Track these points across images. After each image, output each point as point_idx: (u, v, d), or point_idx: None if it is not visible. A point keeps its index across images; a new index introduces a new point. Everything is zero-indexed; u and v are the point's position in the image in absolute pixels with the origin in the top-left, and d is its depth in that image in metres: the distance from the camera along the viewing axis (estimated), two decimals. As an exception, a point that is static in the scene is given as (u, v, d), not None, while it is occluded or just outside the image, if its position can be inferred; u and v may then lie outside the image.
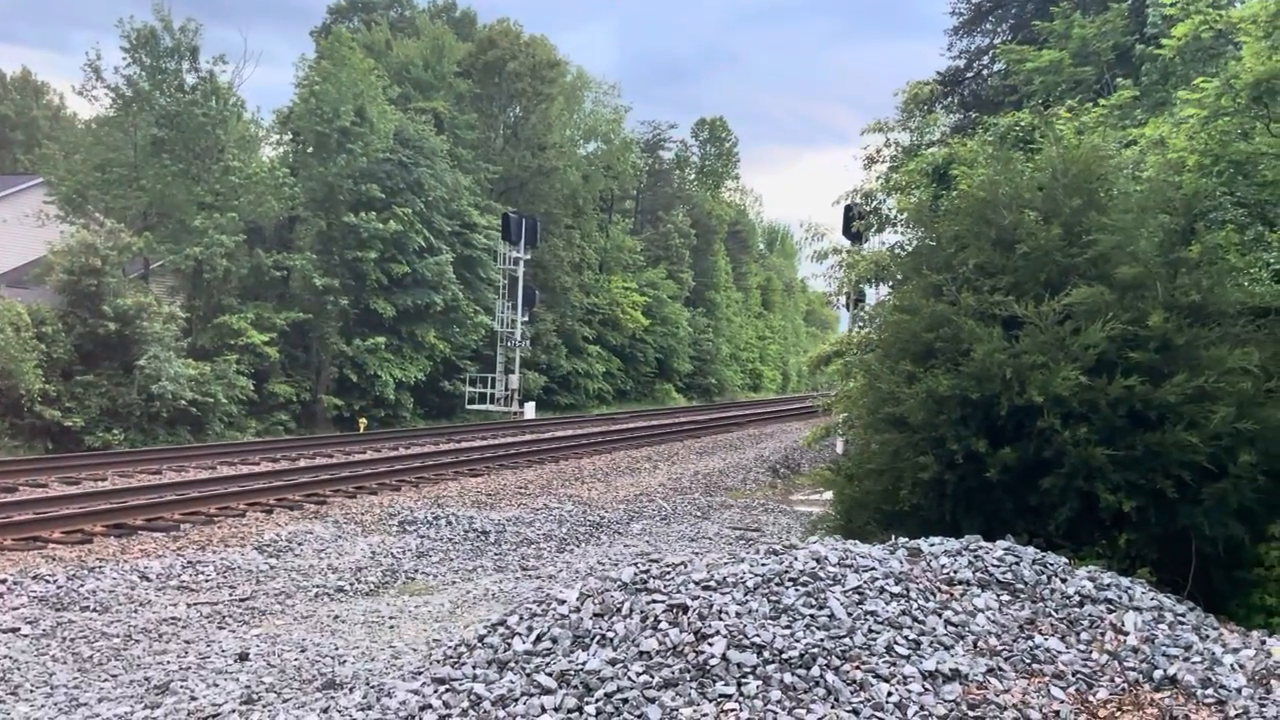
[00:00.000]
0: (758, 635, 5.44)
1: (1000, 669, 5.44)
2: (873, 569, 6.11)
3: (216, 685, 7.08)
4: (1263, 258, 9.18)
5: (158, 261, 30.41)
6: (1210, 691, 5.34)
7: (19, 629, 8.46)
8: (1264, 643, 5.90)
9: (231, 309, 29.43)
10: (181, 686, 7.05)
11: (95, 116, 32.11)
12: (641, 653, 5.47)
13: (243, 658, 7.85)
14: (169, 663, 7.76)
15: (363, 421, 32.01)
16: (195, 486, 15.92)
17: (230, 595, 10.12)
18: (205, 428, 26.74)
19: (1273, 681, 5.41)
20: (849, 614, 5.67)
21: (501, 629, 6.14)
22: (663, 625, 5.65)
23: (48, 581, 10.02)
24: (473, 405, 37.38)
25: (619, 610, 5.94)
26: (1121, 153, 9.90)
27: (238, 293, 30.41)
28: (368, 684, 6.87)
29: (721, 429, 33.01)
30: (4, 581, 9.92)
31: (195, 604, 9.67)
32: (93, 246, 25.22)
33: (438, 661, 6.08)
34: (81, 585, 9.99)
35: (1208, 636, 5.97)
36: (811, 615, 5.67)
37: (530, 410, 37.42)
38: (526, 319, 39.56)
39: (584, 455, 23.78)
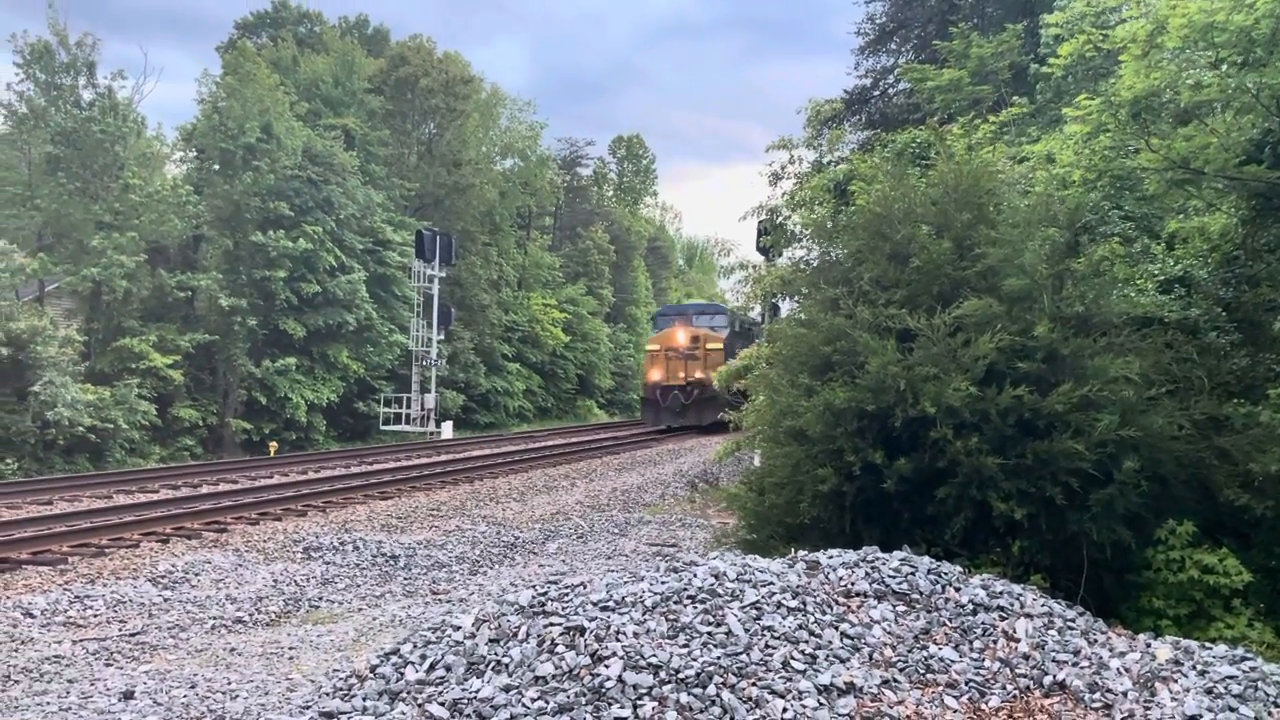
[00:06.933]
0: (654, 655, 5.37)
1: (895, 680, 5.46)
2: (771, 584, 6.10)
3: (96, 727, 6.75)
4: (1148, 269, 9.49)
5: (54, 283, 29.30)
6: (1098, 695, 5.43)
7: (-115, 674, 7.97)
8: (1149, 645, 6.04)
9: (133, 331, 28.46)
10: (58, 729, 6.70)
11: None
12: (537, 678, 5.36)
13: (127, 696, 7.50)
14: (48, 704, 7.38)
15: (273, 445, 31.19)
16: (87, 517, 15.24)
17: (120, 630, 9.68)
18: (105, 455, 25.75)
19: (1157, 684, 5.53)
20: (746, 630, 5.64)
21: (395, 658, 5.96)
22: (559, 648, 5.55)
23: (-79, 622, 9.48)
24: (388, 426, 36.71)
25: (515, 635, 5.82)
26: (1013, 168, 10.16)
27: (139, 314, 29.43)
28: (257, 720, 6.63)
29: (641, 444, 32.96)
30: (-128, 624, 9.36)
31: (81, 640, 9.22)
32: (-18, 268, 24.19)
33: (327, 694, 5.87)
34: (-42, 625, 9.46)
35: (1096, 641, 6.08)
36: (709, 633, 5.62)
37: (448, 430, 36.91)
38: (443, 337, 39.07)
39: (500, 474, 23.48)
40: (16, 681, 7.94)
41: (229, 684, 7.83)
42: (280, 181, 32.41)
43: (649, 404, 38.01)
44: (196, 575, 11.99)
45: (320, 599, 11.21)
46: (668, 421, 36.88)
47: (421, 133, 45.78)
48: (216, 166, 32.59)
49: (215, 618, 10.15)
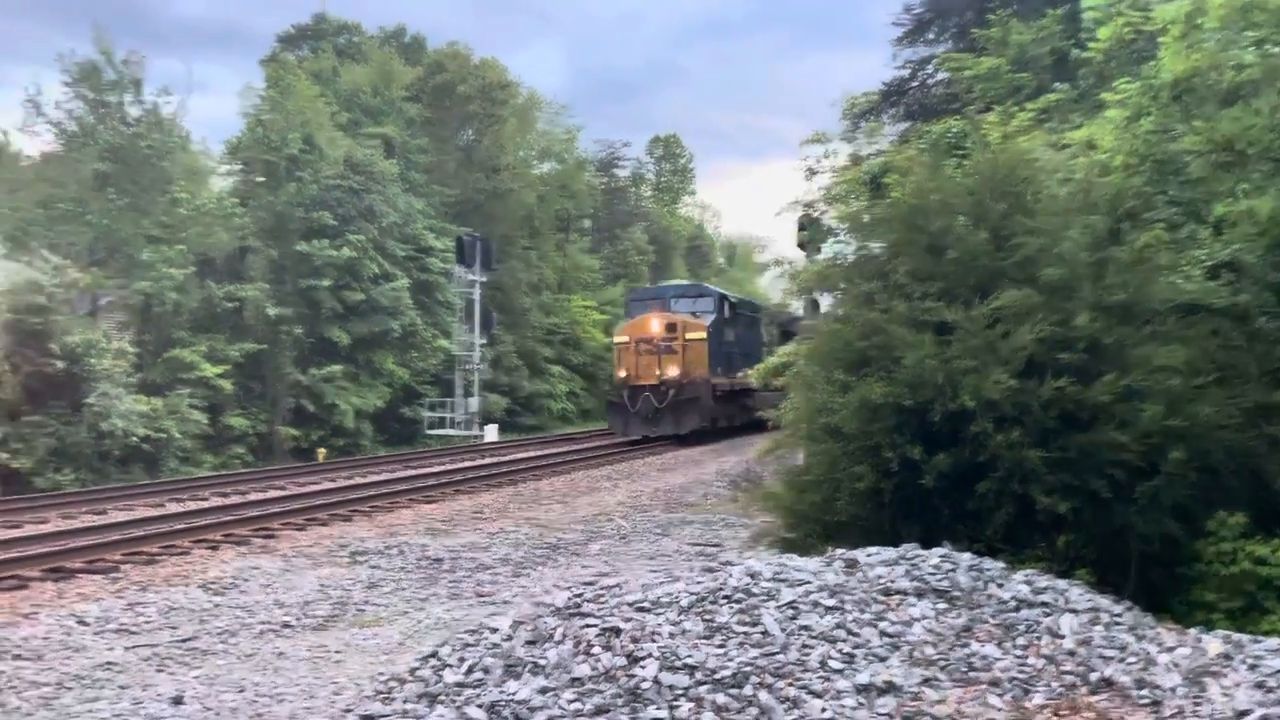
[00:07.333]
0: (690, 656, 5.34)
1: (936, 679, 5.37)
2: (808, 583, 6.04)
3: (146, 731, 6.86)
4: (1194, 255, 9.26)
5: (106, 297, 29.96)
6: (1145, 692, 5.30)
7: (-55, 682, 8.18)
8: (1199, 640, 5.88)
9: (183, 342, 29.05)
10: (109, 735, 6.83)
11: (41, 153, 31.69)
12: (573, 679, 5.36)
13: (177, 701, 7.63)
14: (100, 709, 7.53)
15: (321, 452, 31.62)
16: (140, 525, 15.53)
17: (171, 636, 9.85)
18: (159, 464, 26.28)
19: (1206, 679, 5.38)
20: (783, 630, 5.59)
21: (433, 660, 6.00)
22: (595, 650, 5.55)
23: (-21, 631, 9.72)
24: (433, 430, 37.03)
25: (551, 636, 5.83)
26: (1052, 155, 9.97)
27: (189, 326, 30.02)
28: (300, 723, 6.71)
29: (684, 444, 32.90)
30: (-67, 633, 9.61)
31: (133, 647, 9.40)
32: (38, 284, 24.78)
33: (368, 697, 5.93)
34: (14, 632, 9.68)
35: (1143, 636, 5.94)
36: (745, 633, 5.58)
37: (492, 433, 37.13)
38: (485, 341, 39.32)
39: (543, 476, 23.57)
40: (69, 689, 8.11)
41: (276, 688, 7.94)
42: (323, 191, 32.91)
43: (616, 408, 31.30)
44: (246, 581, 12.17)
45: (366, 603, 11.32)
46: (639, 430, 30.76)
47: (460, 139, 46.15)
48: (261, 178, 33.16)
49: (264, 623, 10.29)
